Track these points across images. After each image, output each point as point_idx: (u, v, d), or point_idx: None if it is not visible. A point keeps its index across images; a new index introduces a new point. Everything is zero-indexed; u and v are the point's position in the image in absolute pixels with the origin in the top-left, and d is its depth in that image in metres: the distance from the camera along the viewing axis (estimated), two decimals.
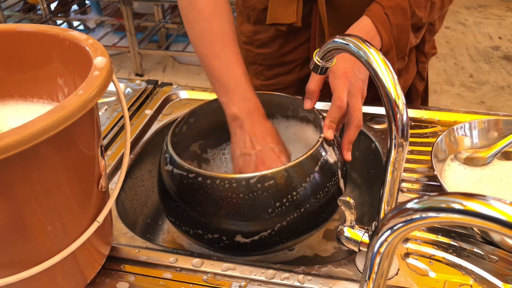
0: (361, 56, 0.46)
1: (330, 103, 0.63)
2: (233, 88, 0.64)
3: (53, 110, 0.37)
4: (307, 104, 0.65)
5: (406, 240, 0.59)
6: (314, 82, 0.64)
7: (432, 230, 0.60)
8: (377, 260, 0.35)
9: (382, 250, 0.35)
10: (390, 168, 0.47)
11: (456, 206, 0.31)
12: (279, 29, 0.84)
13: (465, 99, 2.60)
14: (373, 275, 0.36)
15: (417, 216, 0.33)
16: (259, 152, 0.61)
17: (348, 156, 0.62)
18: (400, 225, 0.33)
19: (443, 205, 0.32)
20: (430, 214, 0.32)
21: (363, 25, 0.71)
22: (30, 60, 0.52)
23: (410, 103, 0.93)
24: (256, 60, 0.92)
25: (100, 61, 0.44)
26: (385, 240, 0.34)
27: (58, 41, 0.50)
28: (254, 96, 0.65)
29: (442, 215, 0.32)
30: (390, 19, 0.72)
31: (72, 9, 3.44)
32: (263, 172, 0.53)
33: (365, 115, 0.65)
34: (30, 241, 0.43)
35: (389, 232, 0.34)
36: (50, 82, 0.54)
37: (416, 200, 0.33)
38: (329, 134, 0.59)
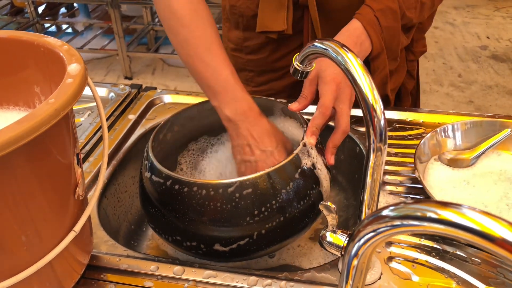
0: (340, 61, 0.46)
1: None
2: (222, 90, 0.62)
3: (22, 120, 0.36)
4: (292, 106, 0.64)
5: (390, 244, 0.59)
6: (306, 88, 0.64)
7: (415, 233, 0.60)
8: (354, 265, 0.35)
9: (358, 256, 0.35)
10: (369, 172, 0.47)
11: (431, 215, 0.31)
12: (269, 36, 0.83)
13: (454, 99, 2.62)
14: (350, 281, 0.36)
15: (392, 224, 0.32)
16: (259, 157, 0.60)
17: (331, 160, 0.62)
18: (375, 232, 0.33)
19: (418, 214, 0.32)
20: (405, 222, 0.32)
21: (353, 28, 0.71)
22: (5, 67, 0.51)
23: (400, 102, 0.93)
24: (246, 66, 0.91)
25: (74, 68, 0.44)
26: (361, 246, 0.34)
27: (33, 47, 0.49)
28: (245, 95, 0.63)
29: (417, 223, 0.31)
30: (380, 21, 0.72)
31: (60, 12, 3.42)
32: (241, 178, 0.52)
33: (350, 117, 0.65)
34: (4, 252, 0.42)
35: (364, 238, 0.33)
36: (27, 90, 0.53)
37: (391, 208, 0.33)
38: (312, 140, 0.59)
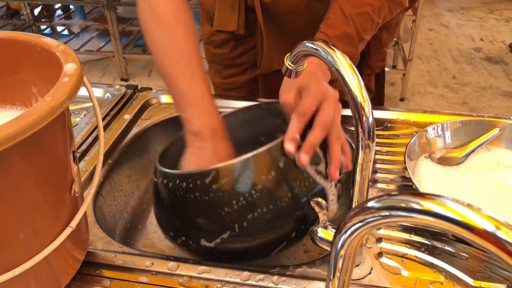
0: (329, 61, 0.47)
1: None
2: (198, 103, 0.61)
3: (19, 117, 0.37)
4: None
5: (380, 240, 0.60)
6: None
7: (405, 229, 0.62)
8: (341, 257, 0.36)
9: (345, 247, 0.36)
10: (358, 169, 0.48)
11: (414, 205, 0.32)
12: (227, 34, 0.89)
13: (448, 100, 2.64)
14: (338, 273, 0.37)
15: (378, 214, 0.34)
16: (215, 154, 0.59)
17: (303, 159, 0.53)
18: (360, 223, 0.34)
19: (402, 205, 0.33)
20: (390, 213, 0.33)
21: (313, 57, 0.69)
22: (2, 67, 0.52)
23: None
24: (214, 59, 0.97)
25: (70, 67, 0.45)
26: (348, 238, 0.35)
27: (29, 48, 0.50)
28: (218, 115, 0.62)
29: (401, 214, 0.33)
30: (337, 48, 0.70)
31: (56, 14, 3.42)
32: (218, 165, 0.51)
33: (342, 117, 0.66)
34: (0, 247, 0.43)
35: (350, 230, 0.35)
36: (24, 90, 0.54)
37: (376, 199, 0.34)
38: (290, 147, 0.52)
